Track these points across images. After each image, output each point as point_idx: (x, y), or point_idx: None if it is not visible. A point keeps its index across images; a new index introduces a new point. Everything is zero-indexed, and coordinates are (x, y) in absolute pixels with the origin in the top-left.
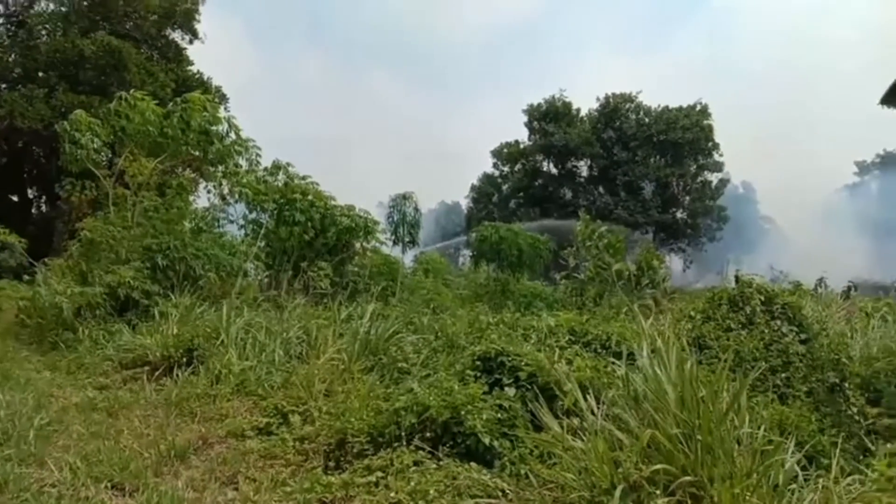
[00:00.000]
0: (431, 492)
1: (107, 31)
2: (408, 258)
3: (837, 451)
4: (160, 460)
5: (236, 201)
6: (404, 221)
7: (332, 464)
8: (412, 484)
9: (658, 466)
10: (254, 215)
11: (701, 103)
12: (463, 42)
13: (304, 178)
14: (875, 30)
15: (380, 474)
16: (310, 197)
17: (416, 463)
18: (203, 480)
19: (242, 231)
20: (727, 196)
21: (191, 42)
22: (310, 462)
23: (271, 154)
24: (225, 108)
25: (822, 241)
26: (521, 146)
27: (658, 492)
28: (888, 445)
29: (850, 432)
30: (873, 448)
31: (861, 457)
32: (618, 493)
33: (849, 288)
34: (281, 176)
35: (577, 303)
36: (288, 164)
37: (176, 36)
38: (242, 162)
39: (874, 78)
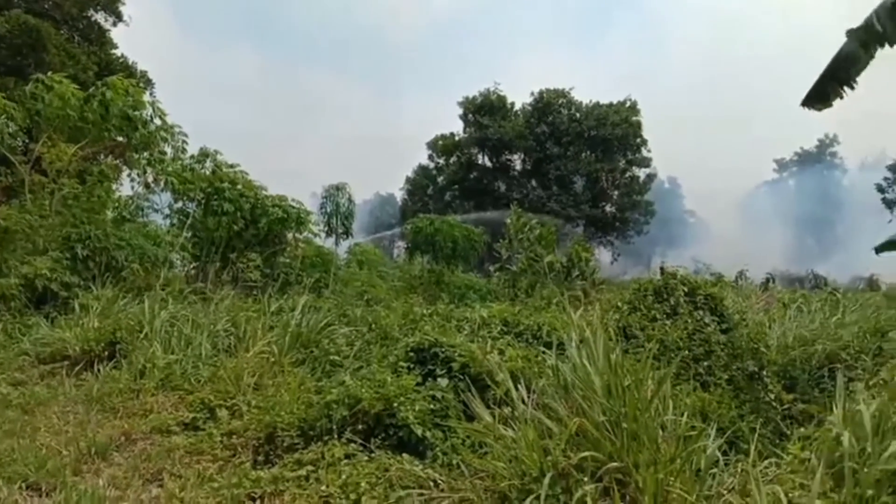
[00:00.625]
0: (363, 484)
1: (23, 10)
2: (341, 249)
3: (756, 436)
4: (80, 458)
5: (162, 190)
6: (338, 212)
7: (261, 458)
8: (343, 477)
9: (586, 453)
10: (180, 204)
11: (630, 100)
12: (399, 34)
13: (232, 166)
14: (798, 34)
15: (310, 468)
16: (239, 186)
17: (347, 456)
18: (126, 478)
19: (168, 221)
20: (654, 191)
21: (114, 24)
22: (238, 457)
23: (202, 144)
24: (150, 94)
25: (743, 235)
26: (457, 138)
27: (586, 478)
28: (802, 429)
29: (768, 418)
30: (788, 432)
31: (777, 441)
32: (547, 480)
33: (767, 280)
34: (209, 164)
35: (509, 294)
36: (216, 152)
37: (99, 17)
38: (168, 149)
39: (795, 79)
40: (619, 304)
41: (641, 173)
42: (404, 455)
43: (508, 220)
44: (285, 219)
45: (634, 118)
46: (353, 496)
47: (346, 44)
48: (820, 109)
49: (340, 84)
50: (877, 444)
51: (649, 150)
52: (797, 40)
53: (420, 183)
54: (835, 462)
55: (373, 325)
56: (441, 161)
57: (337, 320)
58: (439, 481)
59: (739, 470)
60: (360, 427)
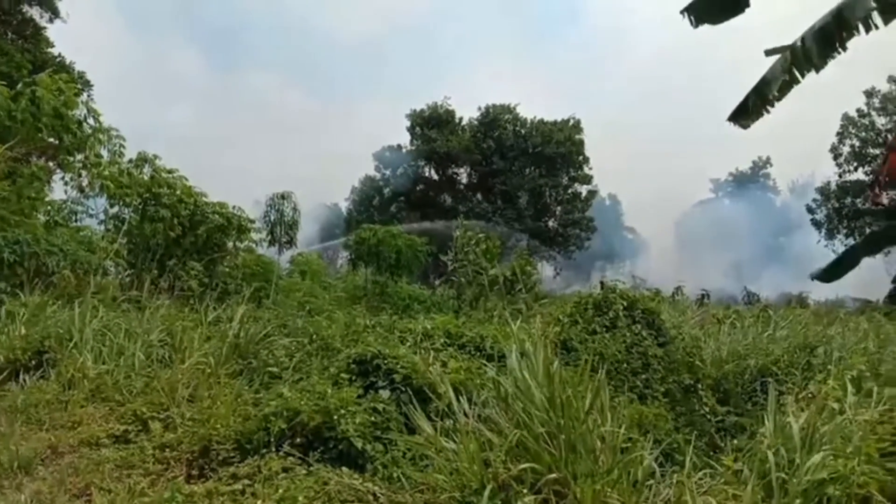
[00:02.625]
0: (300, 498)
1: None
2: (284, 259)
3: (691, 447)
4: (1, 473)
5: (96, 194)
6: (282, 221)
7: (195, 472)
8: (280, 491)
9: (525, 465)
10: (116, 210)
11: (574, 118)
12: (346, 44)
13: (171, 171)
14: (738, 58)
15: (246, 482)
16: (178, 192)
17: (285, 469)
18: (51, 493)
19: (103, 226)
20: (595, 207)
21: (51, 21)
22: (171, 471)
23: (144, 147)
24: (88, 95)
25: (680, 252)
26: (404, 150)
27: (525, 490)
28: (735, 441)
29: (703, 430)
30: (722, 444)
31: (712, 452)
32: (487, 492)
33: (702, 296)
34: (147, 169)
35: (454, 306)
36: (155, 157)
37: (34, 13)
38: (104, 152)
39: (732, 101)
40: (561, 317)
41: (583, 190)
42: (344, 468)
43: (456, 233)
44: (226, 226)
45: (577, 136)
46: None
47: (296, 51)
48: (745, 126)
49: (289, 91)
50: (805, 456)
51: (591, 168)
52: (737, 63)
53: (366, 194)
54: (766, 473)
55: (314, 337)
56: (387, 172)
57: (277, 331)
58: (379, 494)
59: (675, 481)
60: (298, 440)
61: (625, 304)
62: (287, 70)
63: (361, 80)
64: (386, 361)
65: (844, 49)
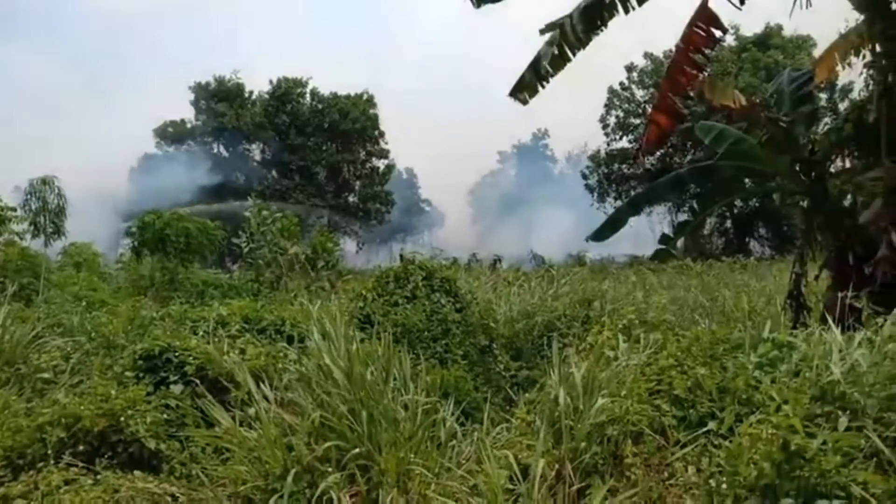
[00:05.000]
0: None
1: None
2: (55, 252)
3: (488, 405)
4: None
5: None
6: (45, 209)
7: None
8: None
9: (329, 444)
10: None
11: (367, 93)
12: (113, 14)
13: None
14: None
15: (21, 502)
16: None
17: (67, 482)
18: None
19: None
20: (393, 181)
21: None
22: None
23: None
24: None
25: (474, 221)
26: (189, 126)
27: (331, 469)
28: (526, 395)
29: (499, 387)
30: (516, 398)
31: (508, 407)
32: (290, 477)
33: (495, 261)
34: None
35: (253, 289)
36: None
37: None
38: None
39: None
40: (364, 292)
41: (381, 164)
42: (136, 472)
43: (248, 213)
44: None
45: (372, 111)
46: None
47: (59, 22)
48: (524, 101)
49: (49, 62)
50: (587, 401)
51: (387, 143)
52: (524, 40)
53: (146, 174)
54: (555, 421)
55: (93, 334)
56: (171, 150)
57: (49, 331)
58: (178, 494)
59: (476, 438)
60: (81, 448)
61: (424, 274)
62: (49, 43)
63: (138, 53)
64: (176, 354)
65: (606, 27)
